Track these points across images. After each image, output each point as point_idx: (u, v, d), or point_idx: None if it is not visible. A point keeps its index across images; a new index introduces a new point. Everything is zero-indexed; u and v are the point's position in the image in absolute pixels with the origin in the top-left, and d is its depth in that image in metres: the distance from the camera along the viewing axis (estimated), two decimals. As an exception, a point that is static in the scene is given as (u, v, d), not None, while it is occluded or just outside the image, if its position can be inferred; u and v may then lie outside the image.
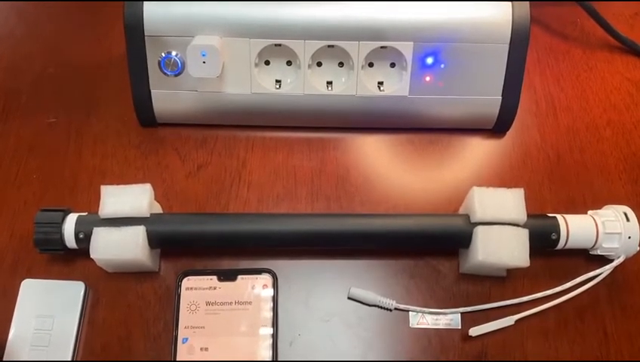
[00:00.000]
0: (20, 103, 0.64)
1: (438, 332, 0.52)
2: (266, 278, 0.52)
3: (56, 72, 0.66)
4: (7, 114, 0.63)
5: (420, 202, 0.59)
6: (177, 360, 0.49)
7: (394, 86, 0.59)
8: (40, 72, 0.66)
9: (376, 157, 0.62)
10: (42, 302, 0.51)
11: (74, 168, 0.60)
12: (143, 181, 0.53)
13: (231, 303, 0.51)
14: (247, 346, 0.50)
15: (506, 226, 0.51)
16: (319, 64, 0.59)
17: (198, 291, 0.51)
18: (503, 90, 0.60)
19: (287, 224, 0.53)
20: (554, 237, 0.52)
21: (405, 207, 0.58)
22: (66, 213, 0.52)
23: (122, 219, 0.51)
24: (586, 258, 0.55)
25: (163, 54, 0.57)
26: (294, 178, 0.60)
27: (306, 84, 0.59)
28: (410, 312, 0.53)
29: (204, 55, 0.54)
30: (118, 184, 0.52)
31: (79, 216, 0.52)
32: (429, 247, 0.55)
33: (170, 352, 0.49)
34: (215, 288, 0.52)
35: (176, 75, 0.58)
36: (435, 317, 0.53)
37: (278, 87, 0.59)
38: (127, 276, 0.53)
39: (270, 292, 0.52)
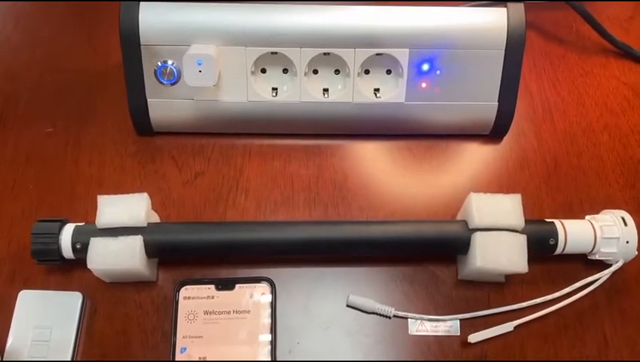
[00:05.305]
0: (17, 112, 0.64)
1: (437, 339, 0.52)
2: (264, 286, 0.52)
3: (53, 81, 0.66)
4: (5, 122, 0.63)
5: (417, 208, 0.59)
6: (176, 369, 0.49)
7: (390, 93, 0.59)
8: (37, 80, 0.66)
9: (374, 164, 0.62)
10: (40, 312, 0.51)
11: (71, 177, 0.59)
12: (140, 190, 0.53)
13: (229, 312, 0.51)
14: (246, 355, 0.49)
15: (504, 232, 0.51)
16: (315, 71, 0.60)
17: (196, 300, 0.51)
18: (499, 96, 0.60)
19: (285, 232, 0.53)
20: (552, 242, 0.52)
21: (403, 214, 0.58)
22: (63, 223, 0.52)
23: (119, 229, 0.50)
24: (585, 263, 0.55)
25: (159, 63, 0.57)
26: (292, 185, 0.60)
27: (303, 92, 0.59)
28: (409, 319, 0.53)
29: (200, 64, 0.54)
30: (115, 193, 0.52)
31: (76, 226, 0.52)
32: (428, 254, 0.55)
33: (169, 362, 0.49)
34: (213, 297, 0.51)
35: (172, 84, 0.58)
36: (434, 323, 0.53)
37: (274, 94, 0.59)
38: (124, 286, 0.53)
39: (268, 300, 0.51)
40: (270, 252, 0.54)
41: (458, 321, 0.53)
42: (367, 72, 0.59)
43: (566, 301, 0.52)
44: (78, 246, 0.51)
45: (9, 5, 0.72)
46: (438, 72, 0.58)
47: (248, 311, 0.51)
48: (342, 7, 0.57)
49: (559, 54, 0.71)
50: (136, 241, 0.50)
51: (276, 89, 0.60)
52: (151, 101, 0.59)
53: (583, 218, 0.55)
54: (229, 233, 0.53)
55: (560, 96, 0.67)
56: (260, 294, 0.52)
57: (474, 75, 0.59)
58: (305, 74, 0.58)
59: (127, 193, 0.53)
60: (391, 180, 0.61)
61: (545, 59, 0.70)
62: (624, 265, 0.53)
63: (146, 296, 0.53)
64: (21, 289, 0.52)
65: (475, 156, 0.63)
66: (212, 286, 0.52)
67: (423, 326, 0.52)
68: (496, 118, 0.61)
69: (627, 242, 0.52)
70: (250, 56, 0.57)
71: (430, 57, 0.58)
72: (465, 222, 0.53)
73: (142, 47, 0.56)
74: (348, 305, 0.53)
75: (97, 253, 0.50)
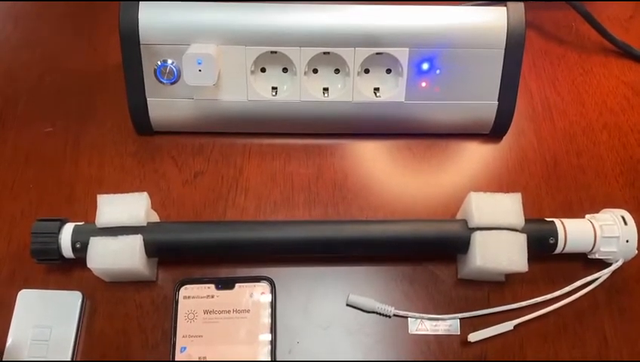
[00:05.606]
0: (17, 112, 0.64)
1: (437, 338, 0.52)
2: (264, 286, 0.52)
3: (52, 81, 0.66)
4: (4, 122, 0.63)
5: (417, 207, 0.59)
6: (176, 369, 0.49)
7: (390, 92, 0.59)
8: (36, 81, 0.66)
9: (374, 163, 0.62)
10: (39, 312, 0.51)
11: (71, 177, 0.59)
12: (139, 189, 0.53)
13: (229, 311, 0.51)
14: (246, 354, 0.49)
15: (504, 231, 0.51)
16: (315, 71, 0.59)
17: (195, 300, 0.51)
18: (499, 95, 0.60)
19: (284, 231, 0.53)
20: (552, 241, 0.52)
21: (403, 213, 0.58)
22: (63, 222, 0.52)
23: (119, 228, 0.50)
24: (585, 262, 0.55)
25: (159, 62, 0.57)
26: (291, 185, 0.60)
27: (303, 91, 0.59)
28: (409, 318, 0.53)
29: (199, 63, 0.54)
30: (114, 193, 0.52)
31: (76, 225, 0.52)
32: (428, 253, 0.55)
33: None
34: (213, 296, 0.51)
35: (172, 83, 0.58)
36: (434, 323, 0.53)
37: (274, 94, 0.59)
38: (124, 285, 0.53)
39: (268, 299, 0.51)
40: (270, 251, 0.53)
41: (458, 320, 0.53)
42: (367, 71, 0.59)
43: (566, 300, 0.52)
44: (78, 246, 0.50)
45: (8, 5, 0.72)
46: (437, 71, 0.58)
47: (248, 311, 0.51)
48: (342, 7, 0.57)
49: (559, 53, 0.71)
50: (136, 241, 0.50)
51: (276, 88, 0.60)
52: (151, 100, 0.59)
53: (583, 217, 0.55)
54: (228, 232, 0.53)
55: (560, 96, 0.67)
56: (260, 293, 0.52)
57: (474, 75, 0.59)
58: (305, 73, 0.58)
59: (127, 192, 0.53)
60: (391, 180, 0.61)
61: (545, 59, 0.70)
62: (624, 264, 0.53)
63: (145, 295, 0.53)
64: (21, 289, 0.52)
65: (475, 155, 0.63)
66: (212, 286, 0.52)
67: (423, 326, 0.52)
68: (496, 117, 0.61)
69: (627, 241, 0.52)
70: (250, 56, 0.57)
71: (430, 56, 0.58)
72: (465, 222, 0.53)
73: (141, 46, 0.56)
74: (348, 305, 0.53)
75: (97, 253, 0.50)
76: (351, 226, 0.54)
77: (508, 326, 0.52)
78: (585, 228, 0.53)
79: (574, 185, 0.60)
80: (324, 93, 0.60)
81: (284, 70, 0.59)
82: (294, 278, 0.54)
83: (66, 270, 0.54)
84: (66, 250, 0.51)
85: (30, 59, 0.68)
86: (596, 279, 0.53)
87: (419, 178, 0.61)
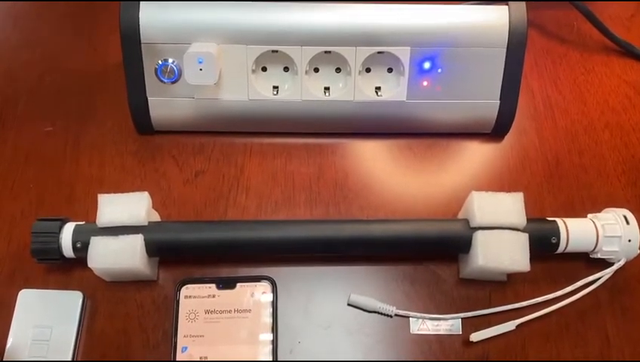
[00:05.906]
0: (17, 112, 0.64)
1: (438, 337, 0.52)
2: (265, 285, 0.52)
3: (53, 80, 0.66)
4: (4, 122, 0.63)
5: (418, 207, 0.59)
6: (177, 369, 0.49)
7: (391, 91, 0.59)
8: (37, 81, 0.66)
9: (375, 163, 0.61)
10: (40, 312, 0.51)
11: (71, 177, 0.59)
12: (140, 189, 0.53)
13: (230, 311, 0.51)
14: (247, 354, 0.49)
15: (506, 231, 0.51)
16: (316, 70, 0.59)
17: (197, 299, 0.51)
18: (500, 94, 0.59)
19: (285, 231, 0.53)
20: (554, 241, 0.52)
21: (404, 212, 0.58)
22: (64, 222, 0.52)
23: (120, 228, 0.50)
24: (587, 261, 0.55)
25: (159, 62, 0.57)
26: (293, 184, 0.59)
27: (304, 90, 0.58)
28: (410, 318, 0.52)
29: (200, 62, 0.54)
30: (115, 192, 0.52)
31: (76, 225, 0.52)
32: (429, 252, 0.55)
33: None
34: (214, 296, 0.51)
35: (172, 83, 0.58)
36: (435, 322, 0.52)
37: (275, 93, 0.59)
38: (125, 285, 0.53)
39: (269, 299, 0.51)
40: (271, 251, 0.53)
41: (460, 320, 0.52)
42: (368, 70, 0.59)
43: (568, 300, 0.52)
44: (79, 245, 0.50)
45: (8, 5, 0.72)
46: (439, 70, 0.58)
47: (249, 310, 0.51)
48: (343, 6, 0.57)
49: (561, 52, 0.70)
50: (137, 240, 0.50)
51: (277, 87, 0.59)
52: (151, 100, 0.59)
53: (585, 216, 0.55)
54: (229, 232, 0.52)
55: (561, 95, 0.67)
56: (261, 293, 0.52)
57: (475, 74, 0.59)
58: (306, 72, 0.58)
59: (128, 192, 0.52)
60: (392, 179, 0.60)
61: (546, 58, 0.70)
62: (626, 263, 0.53)
63: (146, 295, 0.53)
64: (21, 289, 0.52)
65: (477, 154, 0.62)
66: (213, 285, 0.52)
67: (425, 325, 0.52)
68: (497, 116, 0.61)
69: (629, 241, 0.52)
70: (251, 55, 0.57)
71: (432, 55, 0.58)
72: (466, 221, 0.52)
73: (142, 45, 0.56)
74: (349, 304, 0.53)
75: (98, 252, 0.49)
76: (352, 226, 0.53)
77: (510, 325, 0.52)
78: (587, 227, 0.53)
79: (576, 185, 0.60)
80: (325, 92, 0.59)
81: (285, 69, 0.59)
82: (295, 278, 0.54)
83: (67, 270, 0.54)
84: (67, 249, 0.51)
85: (30, 59, 0.68)
86: (598, 279, 0.53)
87: (420, 177, 0.61)
